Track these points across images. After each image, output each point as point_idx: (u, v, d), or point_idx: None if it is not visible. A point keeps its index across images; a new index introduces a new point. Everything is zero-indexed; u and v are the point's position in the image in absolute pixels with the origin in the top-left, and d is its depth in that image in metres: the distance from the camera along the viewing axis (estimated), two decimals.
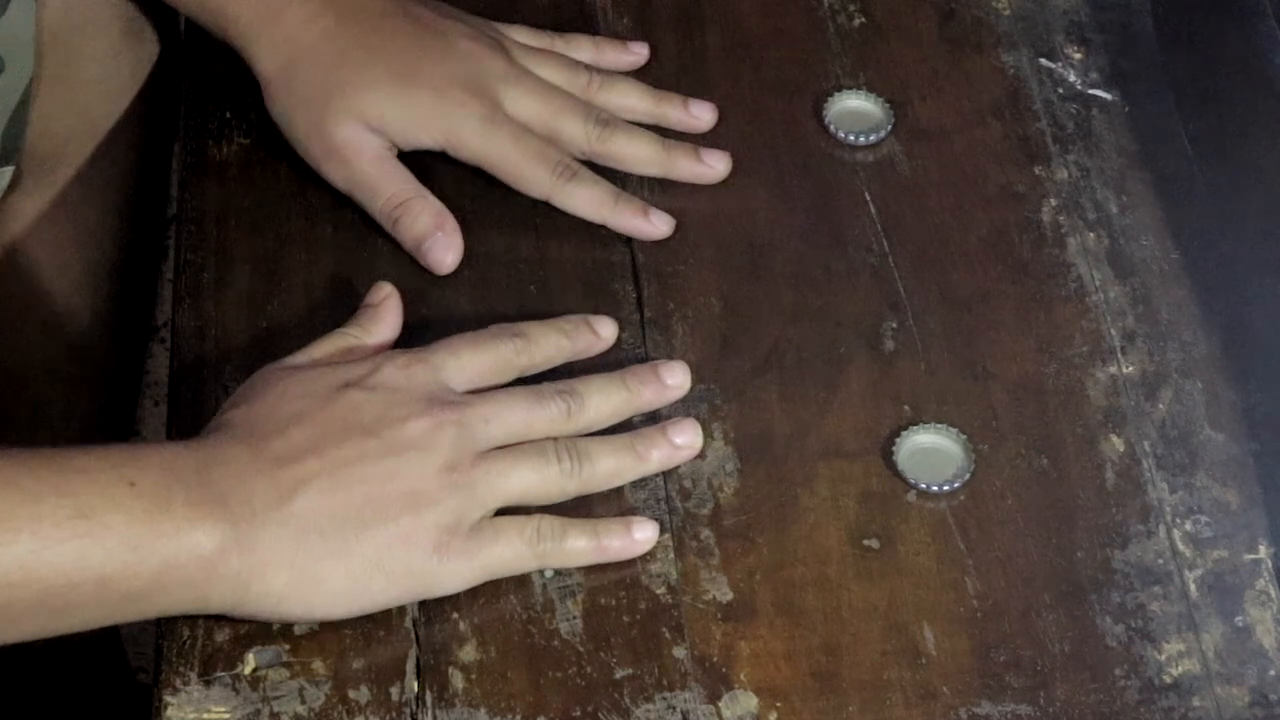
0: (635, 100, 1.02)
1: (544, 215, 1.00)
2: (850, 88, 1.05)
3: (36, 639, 0.80)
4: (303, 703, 0.84)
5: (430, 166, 1.01)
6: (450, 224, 0.97)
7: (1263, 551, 0.89)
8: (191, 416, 0.93)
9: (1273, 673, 0.86)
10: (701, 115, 1.03)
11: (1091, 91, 1.06)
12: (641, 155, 1.00)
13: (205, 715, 0.83)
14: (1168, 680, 0.85)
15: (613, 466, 0.88)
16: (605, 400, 0.90)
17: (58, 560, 0.78)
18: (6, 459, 0.79)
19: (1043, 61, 1.08)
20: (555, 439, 0.87)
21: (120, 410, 1.27)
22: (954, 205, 1.02)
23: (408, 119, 0.98)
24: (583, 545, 0.86)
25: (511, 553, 0.85)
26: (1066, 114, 1.05)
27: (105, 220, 1.16)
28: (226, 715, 0.83)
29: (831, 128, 1.03)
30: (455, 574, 0.85)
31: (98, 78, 1.10)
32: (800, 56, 1.08)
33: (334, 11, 0.99)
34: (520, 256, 0.99)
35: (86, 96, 1.10)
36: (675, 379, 0.91)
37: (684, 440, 0.90)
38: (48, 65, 1.05)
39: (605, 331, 0.93)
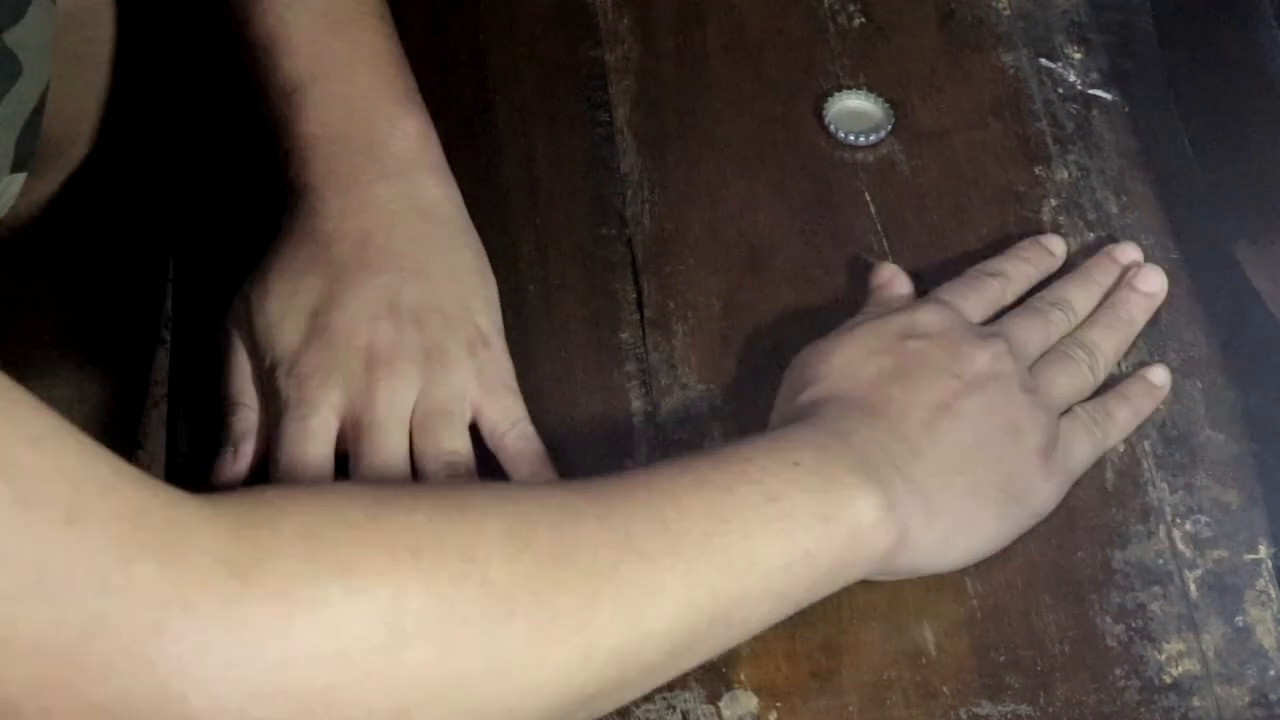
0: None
1: (544, 215, 1.00)
2: (850, 88, 1.05)
3: (750, 637, 0.83)
4: None
5: None
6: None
7: (1263, 551, 0.89)
8: (191, 416, 0.93)
9: (1273, 673, 0.86)
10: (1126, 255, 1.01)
11: (1091, 91, 1.06)
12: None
13: None
14: (1168, 680, 0.85)
15: (1114, 343, 0.95)
16: (1087, 296, 0.96)
17: (768, 544, 0.80)
18: (681, 466, 0.82)
19: (1043, 61, 1.08)
20: (1070, 343, 0.94)
21: (129, 398, 1.27)
22: (954, 205, 1.01)
23: None
24: (1125, 415, 0.93)
25: (1084, 451, 0.90)
26: (1066, 114, 1.05)
27: (119, 202, 1.16)
28: None
29: (831, 128, 1.03)
30: (1058, 488, 0.89)
31: (111, 59, 1.10)
32: (800, 56, 1.08)
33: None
34: (520, 256, 0.99)
35: (100, 77, 1.10)
36: (1128, 256, 0.98)
37: (1150, 287, 0.97)
38: (61, 48, 1.05)
39: (1058, 250, 0.99)
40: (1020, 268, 0.97)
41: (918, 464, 0.85)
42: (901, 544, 0.83)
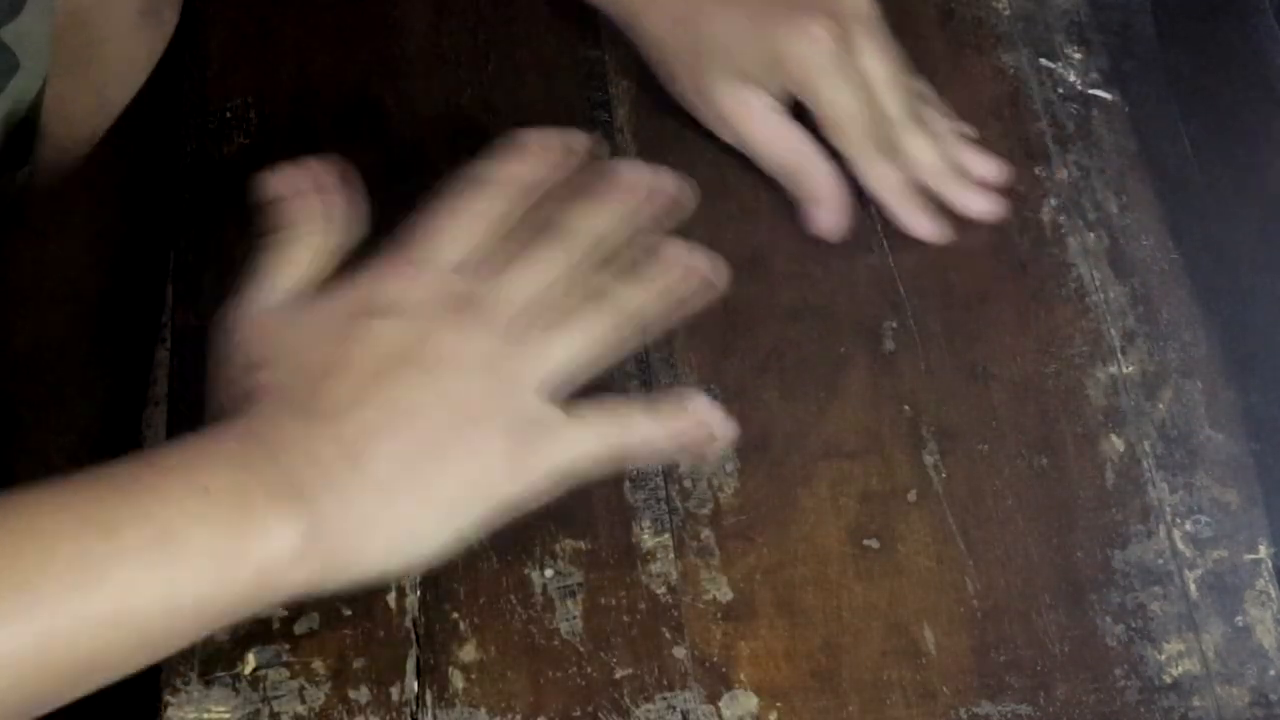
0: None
1: None
2: None
3: (140, 670, 0.76)
4: (303, 703, 0.84)
5: (426, 162, 1.02)
6: (830, 190, 0.98)
7: (1263, 551, 0.89)
8: (191, 416, 0.93)
9: (1273, 673, 0.86)
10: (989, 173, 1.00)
11: (1091, 91, 1.06)
12: (927, 159, 0.98)
13: (205, 715, 0.83)
14: (1168, 680, 0.85)
15: (640, 295, 0.85)
16: (596, 220, 0.86)
17: (150, 592, 0.73)
18: (73, 490, 0.74)
19: (1043, 61, 1.08)
20: (575, 295, 0.83)
21: (135, 390, 1.27)
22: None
23: (767, 63, 0.96)
24: (649, 427, 0.84)
25: (579, 448, 0.82)
26: (1066, 114, 1.05)
27: (120, 200, 1.16)
28: (226, 715, 0.83)
29: None
30: (534, 481, 0.81)
31: (114, 57, 1.10)
32: None
33: None
34: None
35: (103, 76, 1.10)
36: (638, 174, 0.88)
37: (691, 260, 0.87)
38: (66, 46, 1.05)
39: (578, 144, 0.89)
40: (518, 173, 0.86)
41: (355, 476, 0.77)
42: (329, 569, 0.77)
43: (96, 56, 1.08)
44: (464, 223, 0.84)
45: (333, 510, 0.77)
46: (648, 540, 0.89)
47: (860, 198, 1.01)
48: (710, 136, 1.03)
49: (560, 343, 0.83)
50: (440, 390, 0.79)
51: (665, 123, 1.04)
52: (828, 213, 0.98)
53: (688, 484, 0.91)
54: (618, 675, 0.85)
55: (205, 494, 0.74)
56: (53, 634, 0.71)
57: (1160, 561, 0.89)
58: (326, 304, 0.82)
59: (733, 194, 1.01)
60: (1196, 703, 0.85)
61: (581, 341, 0.83)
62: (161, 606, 0.74)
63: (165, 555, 0.73)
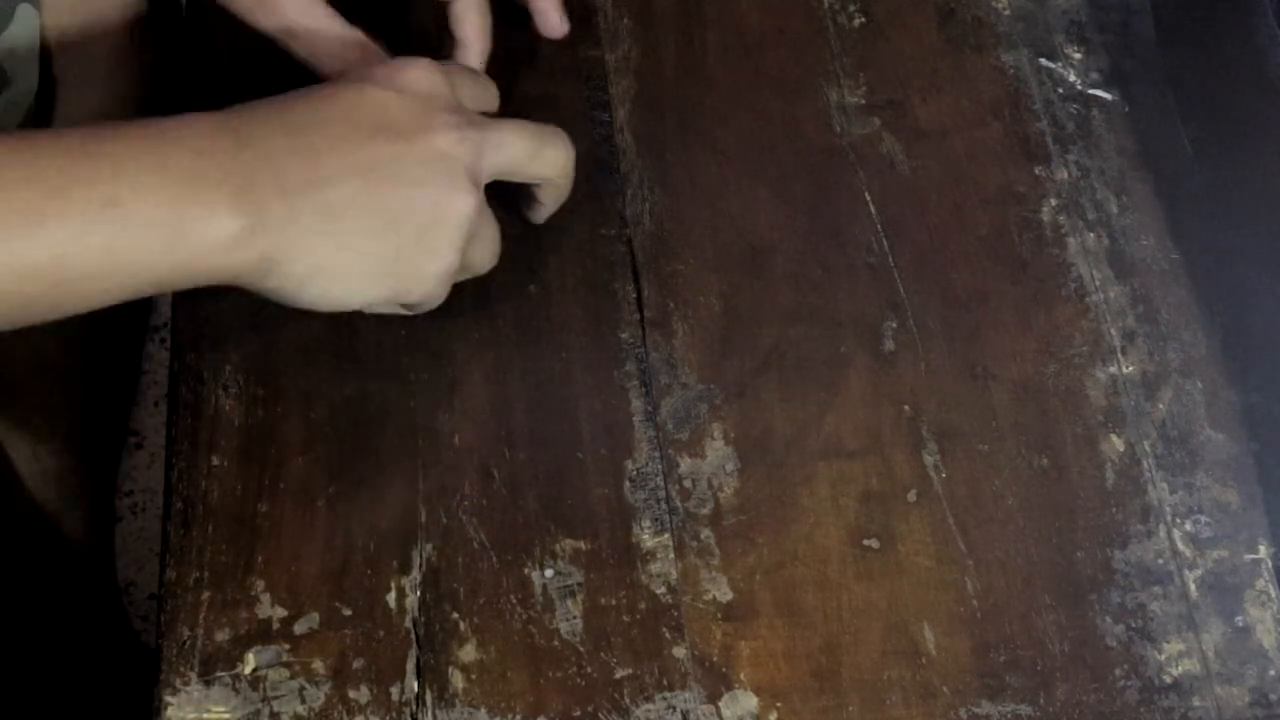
0: None
1: None
2: None
3: (59, 318, 0.80)
4: (303, 703, 0.84)
5: None
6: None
7: (1263, 551, 0.89)
8: (191, 417, 0.93)
9: (1273, 673, 0.86)
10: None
11: (1091, 91, 1.06)
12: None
13: (205, 715, 0.83)
14: (1168, 680, 0.85)
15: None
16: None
17: (88, 250, 0.77)
18: (33, 147, 0.77)
19: (1043, 61, 1.08)
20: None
21: (117, 408, 1.27)
22: (954, 205, 1.02)
23: None
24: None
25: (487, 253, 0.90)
26: (1066, 114, 1.05)
27: None
28: (226, 715, 0.83)
29: None
30: (444, 272, 0.87)
31: (106, 78, 1.10)
32: (800, 56, 1.08)
33: None
34: (520, 256, 0.99)
35: (97, 96, 1.10)
36: None
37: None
38: (56, 68, 1.05)
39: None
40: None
41: (309, 193, 0.82)
42: (268, 269, 0.82)
43: (89, 77, 1.08)
44: (485, 88, 0.93)
45: (277, 215, 0.81)
46: (648, 540, 0.89)
47: (851, 199, 1.01)
48: (710, 136, 1.03)
49: (509, 138, 0.88)
50: (421, 174, 0.84)
51: (665, 123, 1.05)
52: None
53: (688, 484, 0.91)
54: (618, 675, 0.85)
55: (162, 169, 0.79)
56: None
57: (1160, 561, 0.89)
58: (351, 71, 0.87)
59: (733, 194, 1.02)
60: (1196, 703, 0.85)
61: (520, 143, 0.89)
62: (97, 267, 0.78)
63: (109, 221, 0.77)
